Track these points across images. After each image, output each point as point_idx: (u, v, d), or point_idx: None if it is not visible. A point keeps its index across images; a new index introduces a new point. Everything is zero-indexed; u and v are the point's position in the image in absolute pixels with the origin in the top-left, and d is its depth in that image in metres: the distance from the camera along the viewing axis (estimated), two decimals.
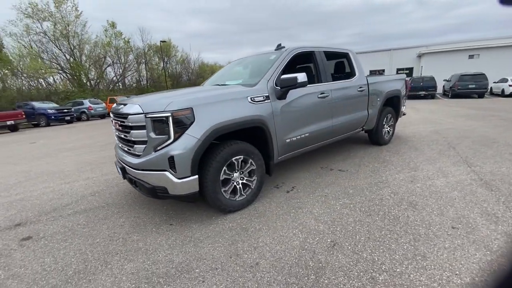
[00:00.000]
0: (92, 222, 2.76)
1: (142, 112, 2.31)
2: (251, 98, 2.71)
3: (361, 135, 5.61)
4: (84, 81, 30.01)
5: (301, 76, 2.87)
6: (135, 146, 2.49)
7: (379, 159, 4.21)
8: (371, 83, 4.42)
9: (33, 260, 2.15)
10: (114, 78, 35.78)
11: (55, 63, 28.26)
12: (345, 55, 4.27)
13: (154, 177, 2.33)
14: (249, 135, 2.88)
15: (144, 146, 2.38)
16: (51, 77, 28.59)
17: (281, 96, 2.96)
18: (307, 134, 3.34)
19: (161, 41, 34.03)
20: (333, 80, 3.85)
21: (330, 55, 3.95)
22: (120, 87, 35.82)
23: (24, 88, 24.89)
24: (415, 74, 27.65)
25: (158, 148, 2.30)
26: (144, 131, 2.34)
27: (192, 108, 2.32)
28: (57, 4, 26.01)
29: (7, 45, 24.84)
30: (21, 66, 24.13)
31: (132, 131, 2.45)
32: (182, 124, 2.27)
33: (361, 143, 5.32)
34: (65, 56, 28.61)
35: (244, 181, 2.79)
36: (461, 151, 4.35)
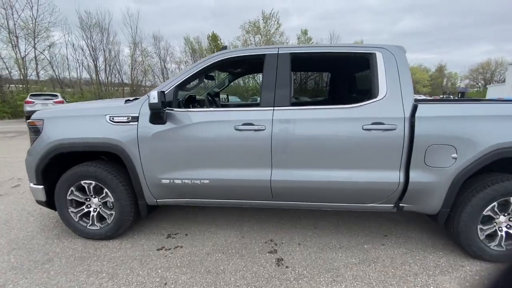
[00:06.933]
0: None
1: None
2: (110, 117, 2.21)
3: None
4: None
5: (152, 96, 1.94)
6: None
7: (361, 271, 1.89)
8: (428, 116, 1.98)
9: None
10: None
11: None
12: (366, 59, 2.18)
13: None
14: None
15: None
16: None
17: (154, 119, 2.14)
18: (205, 181, 2.20)
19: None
20: (305, 105, 2.20)
21: (321, 59, 2.22)
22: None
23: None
24: None
25: None
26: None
27: (43, 119, 2.32)
28: (265, 21, 32.96)
29: None
30: None
31: None
32: (34, 132, 2.34)
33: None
34: None
35: (100, 212, 2.40)
36: None
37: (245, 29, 34.23)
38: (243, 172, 2.17)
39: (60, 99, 13.60)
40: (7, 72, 19.07)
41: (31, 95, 13.38)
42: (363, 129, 2.00)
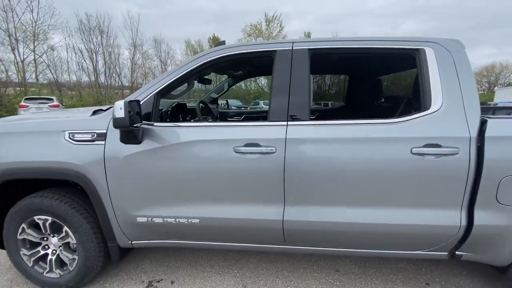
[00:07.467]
0: None
1: None
2: (70, 134, 1.67)
3: None
4: None
5: (117, 107, 1.39)
6: None
7: None
8: (503, 136, 1.43)
9: None
10: None
11: None
12: (411, 57, 1.63)
13: None
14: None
15: None
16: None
17: (126, 138, 1.60)
18: (195, 221, 1.65)
19: None
20: (327, 118, 1.65)
21: (349, 57, 1.67)
22: None
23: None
24: None
25: None
26: None
27: None
28: (268, 23, 32.59)
29: None
30: None
31: None
32: None
33: None
34: None
35: (60, 256, 1.86)
36: None
37: (247, 32, 33.86)
38: (245, 210, 1.62)
39: (55, 103, 13.13)
40: (5, 75, 18.73)
41: (26, 99, 12.94)
42: (413, 153, 1.45)
